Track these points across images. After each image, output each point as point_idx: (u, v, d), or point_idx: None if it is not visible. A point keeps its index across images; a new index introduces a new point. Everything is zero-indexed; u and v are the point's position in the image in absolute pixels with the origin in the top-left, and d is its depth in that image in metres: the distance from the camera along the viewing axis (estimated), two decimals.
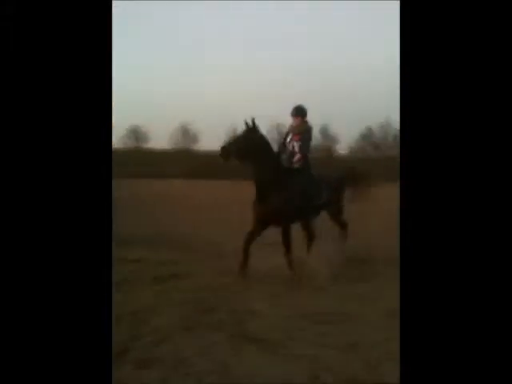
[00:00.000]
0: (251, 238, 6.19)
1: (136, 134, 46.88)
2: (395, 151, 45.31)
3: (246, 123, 6.10)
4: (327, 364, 3.51)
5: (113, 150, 2.87)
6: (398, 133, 47.31)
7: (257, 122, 6.12)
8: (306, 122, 6.66)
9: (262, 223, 6.22)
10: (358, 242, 7.21)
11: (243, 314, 4.62)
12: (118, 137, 43.07)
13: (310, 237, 6.98)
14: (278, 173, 6.21)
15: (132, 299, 4.99)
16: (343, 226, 7.13)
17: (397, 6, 2.44)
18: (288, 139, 6.64)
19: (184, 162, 36.24)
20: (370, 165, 32.76)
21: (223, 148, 6.04)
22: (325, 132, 44.97)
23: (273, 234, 6.44)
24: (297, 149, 6.52)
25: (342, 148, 46.83)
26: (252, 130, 6.13)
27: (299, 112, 6.61)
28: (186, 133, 47.75)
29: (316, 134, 43.18)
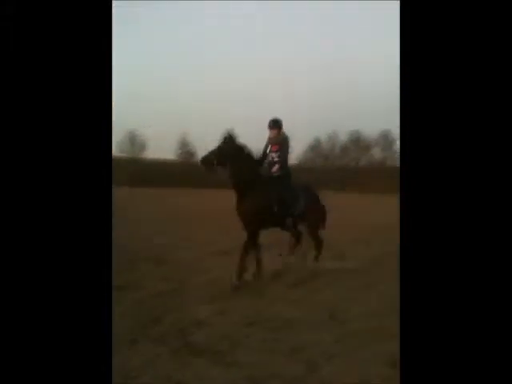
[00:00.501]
0: (250, 240, 6.47)
1: None
2: (343, 161, 46.42)
3: (225, 137, 6.57)
4: (272, 369, 3.56)
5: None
6: (344, 143, 48.58)
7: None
8: (282, 133, 7.02)
9: (249, 224, 6.52)
10: (308, 249, 7.41)
11: (189, 325, 4.59)
12: None
13: (297, 240, 7.32)
14: (256, 178, 6.61)
15: None
16: (318, 242, 7.29)
17: (397, 6, 2.47)
18: (268, 150, 7.01)
19: (130, 169, 35.80)
20: (319, 175, 33.46)
21: (204, 158, 6.49)
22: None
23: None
24: (276, 159, 6.90)
25: (292, 158, 47.51)
26: (228, 141, 6.54)
27: (276, 124, 6.96)
28: (133, 140, 47.38)
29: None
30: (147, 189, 27.94)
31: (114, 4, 2.53)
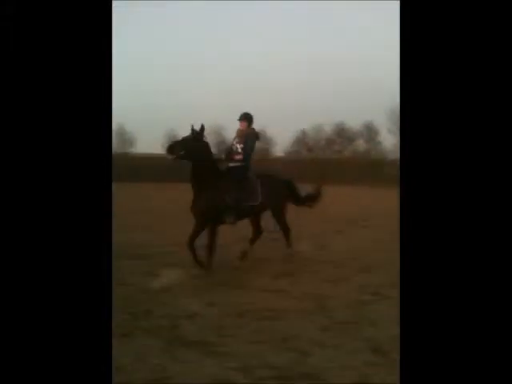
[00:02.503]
0: (193, 235, 6.67)
1: None
2: (327, 153, 46.51)
3: (193, 129, 6.75)
4: (262, 359, 3.61)
5: None
6: (329, 135, 48.67)
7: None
8: (251, 128, 7.30)
9: (198, 221, 6.75)
10: (293, 240, 7.52)
11: (179, 317, 4.63)
12: None
13: (257, 232, 7.50)
14: (214, 174, 6.83)
15: None
16: (285, 230, 7.42)
17: (397, 6, 2.46)
18: (234, 142, 7.29)
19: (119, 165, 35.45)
20: (304, 167, 33.41)
21: (170, 146, 6.73)
22: (262, 135, 45.31)
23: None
24: (239, 150, 7.15)
25: (279, 150, 47.63)
26: (198, 136, 6.77)
27: (244, 117, 7.23)
28: (121, 136, 47.26)
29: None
30: (134, 183, 27.64)
31: (113, 4, 2.52)
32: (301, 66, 69.84)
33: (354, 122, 51.26)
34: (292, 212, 7.77)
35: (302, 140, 49.10)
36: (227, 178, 6.90)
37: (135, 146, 48.51)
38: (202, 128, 6.78)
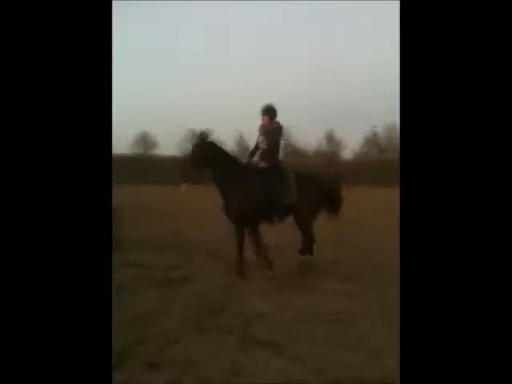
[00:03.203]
0: (237, 240, 6.38)
1: None
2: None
3: (198, 139, 6.44)
4: (332, 362, 3.60)
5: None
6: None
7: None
8: (275, 122, 6.62)
9: (236, 225, 6.41)
10: (359, 242, 7.26)
11: (250, 316, 4.68)
12: None
13: (310, 239, 6.81)
14: (236, 175, 6.36)
15: (138, 302, 5.03)
16: (308, 236, 6.76)
17: (397, 6, 2.44)
18: (259, 140, 6.67)
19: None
20: (373, 168, 32.78)
21: (184, 165, 6.60)
22: (330, 137, 45.01)
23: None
24: (264, 146, 6.54)
25: (348, 153, 46.63)
26: (200, 142, 6.40)
27: (266, 111, 6.58)
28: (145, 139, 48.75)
29: (320, 139, 43.36)
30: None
31: (113, 4, 2.53)
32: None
33: None
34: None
35: (373, 141, 48.06)
36: (256, 179, 6.35)
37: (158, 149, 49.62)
38: (203, 133, 6.44)
